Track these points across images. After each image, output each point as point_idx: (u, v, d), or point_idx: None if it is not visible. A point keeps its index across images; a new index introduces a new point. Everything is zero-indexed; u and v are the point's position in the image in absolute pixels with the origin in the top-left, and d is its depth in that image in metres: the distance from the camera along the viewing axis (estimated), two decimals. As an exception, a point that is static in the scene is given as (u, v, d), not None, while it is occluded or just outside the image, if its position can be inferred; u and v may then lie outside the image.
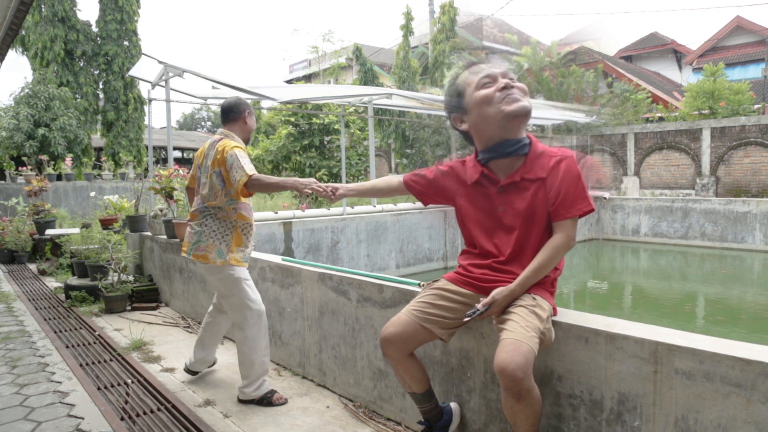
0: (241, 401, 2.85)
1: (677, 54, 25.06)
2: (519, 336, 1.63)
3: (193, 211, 2.97)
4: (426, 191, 2.16)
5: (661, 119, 16.81)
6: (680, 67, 24.99)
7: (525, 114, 1.85)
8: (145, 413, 2.74)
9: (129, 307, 5.02)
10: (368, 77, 17.96)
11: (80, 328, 4.43)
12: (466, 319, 1.82)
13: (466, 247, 2.09)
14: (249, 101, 4.66)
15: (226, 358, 3.61)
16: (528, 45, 17.65)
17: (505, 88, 1.85)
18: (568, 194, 1.83)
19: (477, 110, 1.89)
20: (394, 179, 2.30)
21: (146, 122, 16.16)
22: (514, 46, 18.61)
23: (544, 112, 11.96)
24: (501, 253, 1.92)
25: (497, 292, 1.79)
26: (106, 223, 6.91)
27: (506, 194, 1.91)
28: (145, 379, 3.20)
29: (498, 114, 1.84)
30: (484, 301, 1.79)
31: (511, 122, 1.85)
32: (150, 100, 7.12)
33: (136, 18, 15.77)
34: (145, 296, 5.13)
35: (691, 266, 10.71)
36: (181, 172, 5.01)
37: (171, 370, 3.39)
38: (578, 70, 16.39)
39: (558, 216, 1.85)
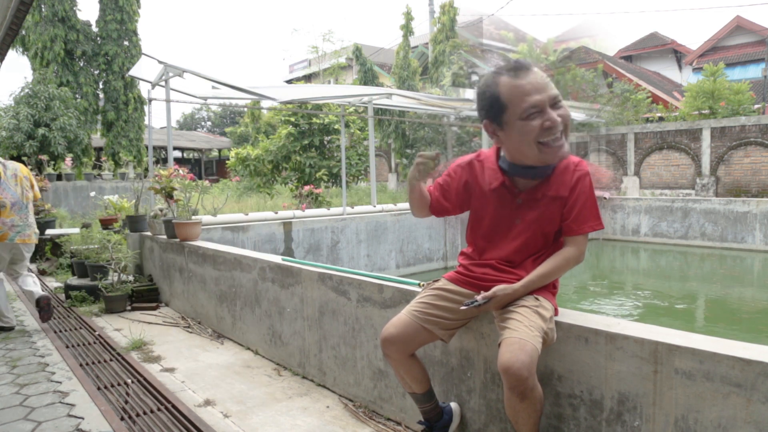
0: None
1: (677, 54, 25.05)
2: (523, 335, 1.63)
3: (11, 210, 4.26)
4: (448, 212, 2.07)
5: (661, 119, 16.80)
6: (680, 67, 24.98)
7: (562, 160, 1.81)
8: (145, 413, 2.74)
9: (129, 307, 5.02)
10: (368, 77, 17.97)
11: (80, 328, 4.43)
12: (463, 308, 1.81)
13: (467, 247, 2.09)
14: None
15: (225, 357, 3.61)
16: (524, 42, 17.65)
17: (551, 129, 1.72)
18: (582, 211, 1.83)
19: (517, 136, 1.76)
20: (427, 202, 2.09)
21: (146, 122, 16.17)
22: (510, 43, 18.61)
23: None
24: (506, 260, 1.92)
25: (499, 288, 1.78)
26: (106, 223, 6.91)
27: (524, 206, 1.89)
28: (145, 379, 3.20)
29: (536, 155, 1.77)
30: (485, 294, 1.79)
31: (545, 163, 1.81)
32: (150, 100, 7.12)
33: (136, 18, 15.79)
34: (145, 296, 5.13)
35: (691, 266, 10.71)
36: (181, 172, 5.01)
37: (171, 370, 3.39)
38: (578, 70, 16.39)
39: (571, 231, 1.85)
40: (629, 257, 11.76)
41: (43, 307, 4.34)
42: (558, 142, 1.74)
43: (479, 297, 1.79)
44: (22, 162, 12.73)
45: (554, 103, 1.73)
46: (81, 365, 3.49)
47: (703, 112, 14.43)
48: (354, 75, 25.52)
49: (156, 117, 50.07)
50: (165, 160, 23.23)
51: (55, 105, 12.90)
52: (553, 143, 1.73)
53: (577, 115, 13.16)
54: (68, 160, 12.17)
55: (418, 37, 21.21)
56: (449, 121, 13.93)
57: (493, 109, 1.78)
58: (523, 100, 1.70)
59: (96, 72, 15.55)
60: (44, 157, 11.86)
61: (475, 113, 2.03)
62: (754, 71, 20.20)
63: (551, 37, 17.96)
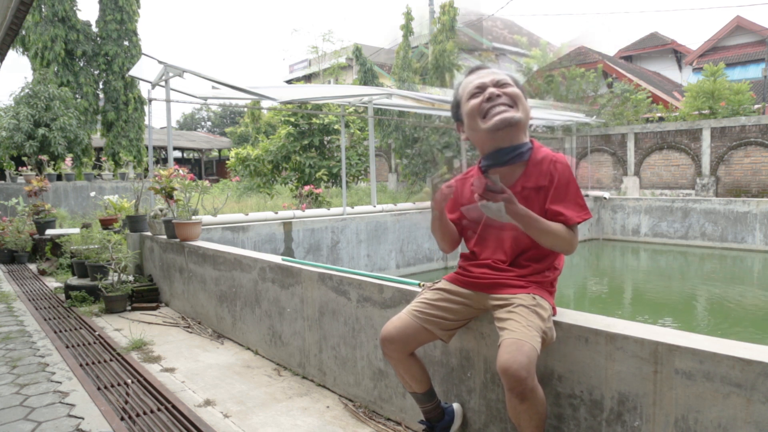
0: None
1: (677, 54, 25.06)
2: (521, 335, 1.63)
3: None
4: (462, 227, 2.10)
5: (661, 119, 16.81)
6: (680, 67, 24.99)
7: (507, 126, 1.82)
8: (145, 413, 2.74)
9: (129, 307, 5.02)
10: (368, 77, 17.95)
11: (80, 328, 4.43)
12: (476, 184, 1.70)
13: (466, 250, 2.10)
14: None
15: (225, 357, 3.61)
16: (537, 47, 17.68)
17: (490, 98, 1.83)
18: (565, 203, 1.81)
19: (467, 122, 1.91)
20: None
21: (146, 122, 16.17)
22: (524, 47, 18.64)
23: (545, 113, 11.96)
24: (501, 260, 1.93)
25: (512, 196, 1.71)
26: (106, 223, 6.91)
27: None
28: (145, 379, 3.20)
29: (482, 128, 1.85)
30: (505, 187, 1.69)
31: (496, 134, 1.84)
32: (150, 100, 7.12)
33: (136, 18, 15.78)
34: (145, 296, 5.13)
35: (691, 266, 10.71)
36: (181, 172, 5.01)
37: (171, 370, 3.39)
38: (579, 70, 16.41)
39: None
40: (629, 257, 11.76)
41: None
42: (498, 108, 1.82)
43: (499, 186, 1.69)
44: (22, 162, 12.75)
45: (499, 86, 1.86)
46: (81, 365, 3.49)
47: (703, 112, 14.44)
48: (354, 75, 25.51)
49: (156, 117, 50.13)
50: (165, 160, 23.24)
51: (55, 105, 12.90)
52: (493, 109, 1.83)
53: (578, 116, 13.16)
54: (68, 160, 12.16)
55: (418, 37, 21.20)
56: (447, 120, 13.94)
57: (454, 108, 1.99)
58: (470, 87, 1.90)
59: (96, 72, 15.55)
60: (44, 157, 11.85)
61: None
62: (754, 71, 20.21)
63: (564, 41, 17.99)
